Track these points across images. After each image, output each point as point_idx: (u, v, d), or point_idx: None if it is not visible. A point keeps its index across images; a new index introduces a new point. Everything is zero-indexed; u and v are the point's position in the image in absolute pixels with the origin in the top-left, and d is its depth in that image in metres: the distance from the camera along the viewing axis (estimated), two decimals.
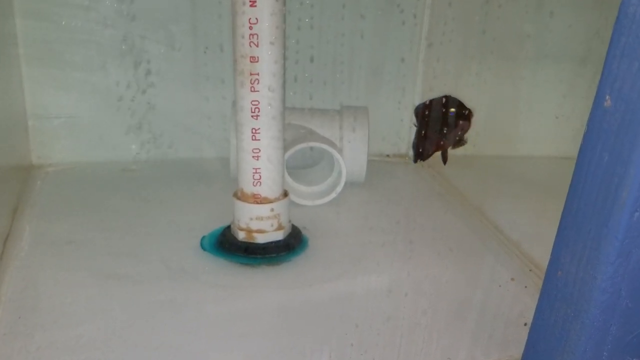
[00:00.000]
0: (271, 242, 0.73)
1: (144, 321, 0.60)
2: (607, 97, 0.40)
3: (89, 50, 0.95)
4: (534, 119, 1.18)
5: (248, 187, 0.72)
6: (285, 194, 0.75)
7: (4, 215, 0.77)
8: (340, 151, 0.91)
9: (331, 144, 0.91)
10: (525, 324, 0.63)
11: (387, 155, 1.17)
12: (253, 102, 0.68)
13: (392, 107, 1.12)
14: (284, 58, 0.68)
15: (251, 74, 0.66)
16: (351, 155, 0.94)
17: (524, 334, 0.53)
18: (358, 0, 1.03)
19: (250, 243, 0.73)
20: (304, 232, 0.80)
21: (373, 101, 1.09)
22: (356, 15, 1.04)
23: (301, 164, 1.01)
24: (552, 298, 0.48)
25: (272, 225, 0.73)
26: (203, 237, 0.77)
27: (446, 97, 0.98)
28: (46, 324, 0.59)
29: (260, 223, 0.73)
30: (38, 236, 0.76)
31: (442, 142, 0.88)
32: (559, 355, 0.47)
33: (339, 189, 0.90)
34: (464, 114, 1.01)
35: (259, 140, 0.70)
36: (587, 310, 0.44)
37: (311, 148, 0.92)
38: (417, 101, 1.11)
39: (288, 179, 0.91)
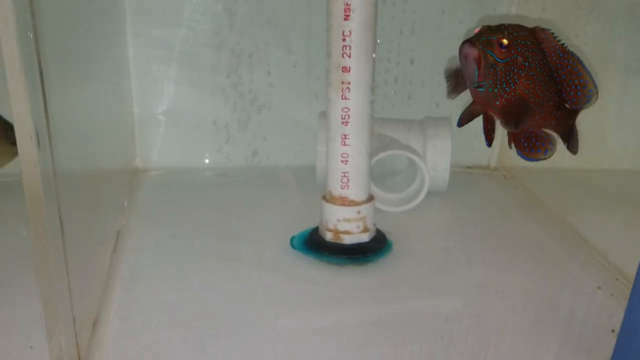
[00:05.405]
0: (357, 244, 0.77)
1: (240, 303, 0.66)
2: None
3: (198, 58, 1.03)
4: (622, 132, 1.16)
5: (336, 190, 0.76)
6: (371, 198, 0.78)
7: (117, 214, 0.84)
8: (423, 160, 0.94)
9: (415, 152, 0.93)
10: (613, 331, 0.63)
11: (469, 167, 1.18)
12: (344, 110, 0.72)
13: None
14: (374, 68, 0.72)
15: (343, 83, 0.71)
16: (434, 164, 0.96)
17: (611, 340, 0.54)
18: (456, 7, 1.06)
19: (337, 243, 0.77)
20: (387, 236, 0.83)
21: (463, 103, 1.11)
22: (455, 20, 1.07)
23: (382, 171, 1.04)
24: None
25: (358, 227, 0.77)
26: (293, 237, 0.81)
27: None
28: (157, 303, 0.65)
29: (347, 225, 0.76)
30: (144, 233, 0.83)
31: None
32: None
33: (422, 195, 0.93)
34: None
35: (348, 145, 0.74)
36: None
37: (395, 156, 0.95)
38: None
39: (371, 185, 0.94)
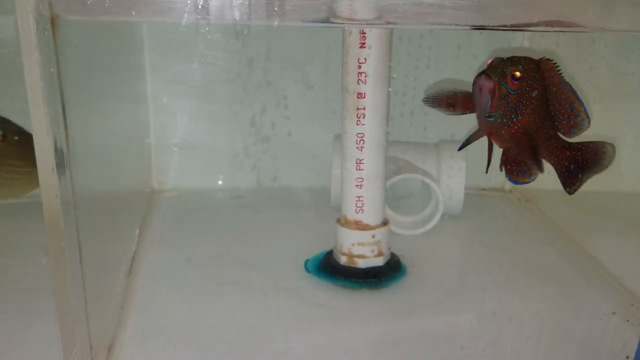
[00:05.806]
0: (372, 268, 0.77)
1: (255, 327, 0.67)
2: None
3: (214, 92, 1.05)
4: (638, 155, 1.15)
5: (351, 214, 0.77)
6: (386, 222, 0.79)
7: (132, 236, 0.85)
8: (437, 183, 0.94)
9: (429, 175, 0.94)
10: (627, 357, 0.63)
11: (483, 189, 1.17)
12: (358, 135, 0.73)
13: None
14: (389, 95, 0.73)
15: (358, 109, 0.72)
16: (448, 187, 0.96)
17: None
18: (471, 43, 1.08)
19: (351, 267, 0.77)
20: (402, 260, 0.83)
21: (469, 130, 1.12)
22: (469, 55, 1.08)
23: (396, 194, 1.04)
24: None
25: (372, 251, 0.77)
26: (307, 260, 0.82)
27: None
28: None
29: (362, 249, 0.77)
30: (158, 255, 0.84)
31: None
32: None
33: (437, 218, 0.93)
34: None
35: (363, 170, 0.74)
36: None
37: (409, 179, 0.95)
38: None
39: (386, 208, 0.94)
